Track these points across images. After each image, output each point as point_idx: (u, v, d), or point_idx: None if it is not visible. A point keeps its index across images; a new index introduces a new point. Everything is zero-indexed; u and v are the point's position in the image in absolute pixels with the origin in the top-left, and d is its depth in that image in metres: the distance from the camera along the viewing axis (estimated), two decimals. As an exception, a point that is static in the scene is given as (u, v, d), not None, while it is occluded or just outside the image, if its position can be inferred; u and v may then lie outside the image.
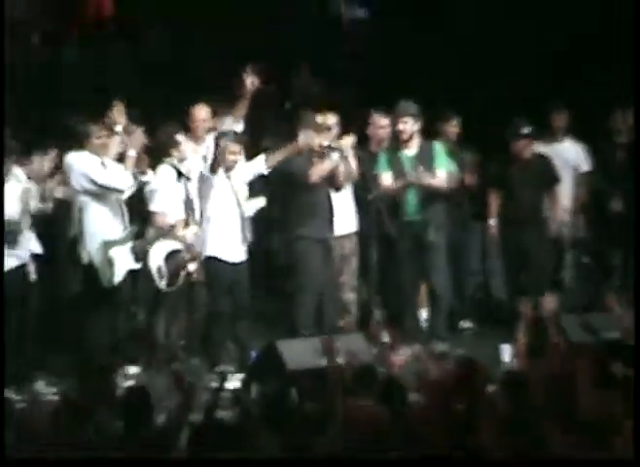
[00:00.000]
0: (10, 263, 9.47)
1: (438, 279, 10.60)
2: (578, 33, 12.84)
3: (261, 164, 10.05)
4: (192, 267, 9.87)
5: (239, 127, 10.51)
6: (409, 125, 10.45)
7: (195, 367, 9.76)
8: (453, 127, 10.90)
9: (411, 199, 10.48)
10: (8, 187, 9.42)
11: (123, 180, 9.64)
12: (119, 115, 10.12)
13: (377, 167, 10.54)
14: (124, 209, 9.79)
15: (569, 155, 10.88)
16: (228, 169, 9.98)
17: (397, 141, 10.58)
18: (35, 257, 9.67)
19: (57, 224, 9.97)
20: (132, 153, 9.73)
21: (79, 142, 9.77)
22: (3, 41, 11.62)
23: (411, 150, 10.51)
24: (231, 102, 10.66)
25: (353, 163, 10.31)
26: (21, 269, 9.57)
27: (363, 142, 10.75)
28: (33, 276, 9.68)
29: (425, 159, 10.52)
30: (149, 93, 11.60)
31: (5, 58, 11.68)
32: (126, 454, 6.58)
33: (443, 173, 10.49)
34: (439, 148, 10.60)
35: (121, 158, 9.84)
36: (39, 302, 9.77)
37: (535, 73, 12.29)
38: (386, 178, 10.47)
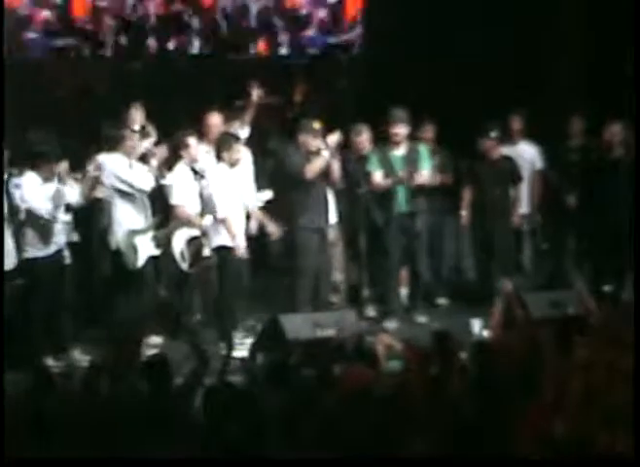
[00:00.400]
0: (48, 250, 9.44)
1: (420, 263, 10.58)
2: (538, 46, 12.74)
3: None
4: (207, 251, 9.79)
5: (245, 133, 10.51)
6: (403, 130, 10.40)
7: (209, 337, 9.68)
8: (428, 132, 10.81)
9: (400, 194, 10.43)
10: (46, 186, 9.39)
11: (146, 181, 9.64)
12: (137, 115, 10.22)
13: (369, 165, 10.45)
14: (147, 203, 9.76)
15: (526, 155, 10.82)
16: (232, 165, 9.93)
17: (387, 142, 10.51)
18: (71, 244, 9.67)
19: (91, 216, 9.93)
20: (148, 146, 9.88)
21: (110, 145, 9.74)
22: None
23: (400, 151, 10.45)
24: (240, 111, 10.65)
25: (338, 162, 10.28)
26: (58, 254, 9.53)
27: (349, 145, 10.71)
28: (68, 260, 9.65)
29: (412, 159, 10.47)
30: (170, 103, 11.54)
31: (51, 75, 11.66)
32: (149, 413, 6.59)
33: (427, 172, 10.43)
34: (423, 150, 10.53)
35: (143, 157, 9.86)
36: (75, 282, 9.77)
37: (498, 82, 12.16)
38: (377, 175, 10.38)
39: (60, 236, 9.54)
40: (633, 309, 8.97)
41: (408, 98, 11.27)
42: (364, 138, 10.57)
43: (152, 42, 12.65)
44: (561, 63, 12.65)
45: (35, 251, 9.48)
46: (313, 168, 10.09)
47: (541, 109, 11.66)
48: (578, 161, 10.87)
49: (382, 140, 10.61)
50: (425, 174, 10.43)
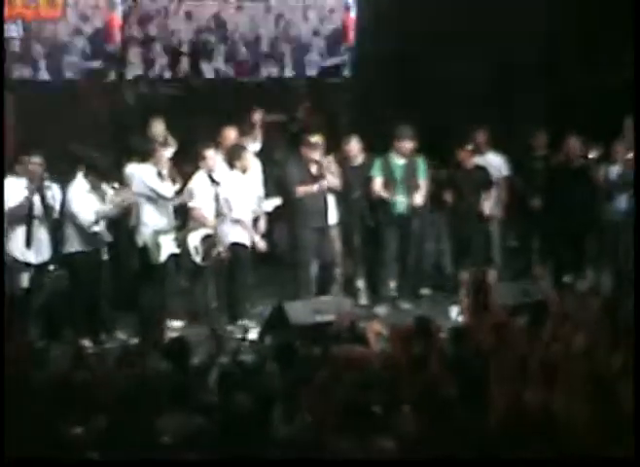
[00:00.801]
0: (87, 247, 9.41)
1: (409, 259, 10.57)
2: (510, 71, 12.68)
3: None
4: (220, 247, 9.76)
5: (257, 146, 10.52)
6: (408, 144, 10.35)
7: (224, 322, 9.69)
8: (409, 144, 10.67)
9: (400, 198, 10.38)
10: (91, 194, 9.37)
11: (168, 190, 9.63)
12: (160, 129, 10.20)
13: (373, 171, 10.41)
14: (170, 206, 9.74)
15: (494, 163, 10.76)
16: (243, 171, 9.93)
17: (391, 152, 10.46)
18: (107, 243, 9.64)
19: (121, 218, 9.86)
20: (168, 154, 9.84)
21: (139, 157, 9.76)
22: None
23: (401, 161, 10.40)
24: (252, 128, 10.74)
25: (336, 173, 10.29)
26: (96, 251, 9.50)
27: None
28: (105, 257, 9.64)
29: (411, 169, 10.42)
30: (191, 119, 11.51)
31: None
32: (170, 388, 6.55)
33: (423, 181, 10.42)
34: (420, 162, 10.47)
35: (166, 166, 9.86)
36: (110, 275, 9.75)
37: (472, 101, 12.10)
38: (377, 182, 10.33)
39: (98, 236, 9.50)
40: (593, 298, 9.13)
41: (394, 114, 11.27)
42: (353, 146, 10.46)
43: (182, 66, 12.66)
44: (529, 85, 12.58)
45: (76, 247, 9.42)
46: (304, 190, 10.10)
47: (510, 125, 11.68)
48: (541, 170, 10.84)
49: (382, 151, 10.57)
50: (422, 184, 10.41)
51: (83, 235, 9.40)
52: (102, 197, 9.41)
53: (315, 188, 10.20)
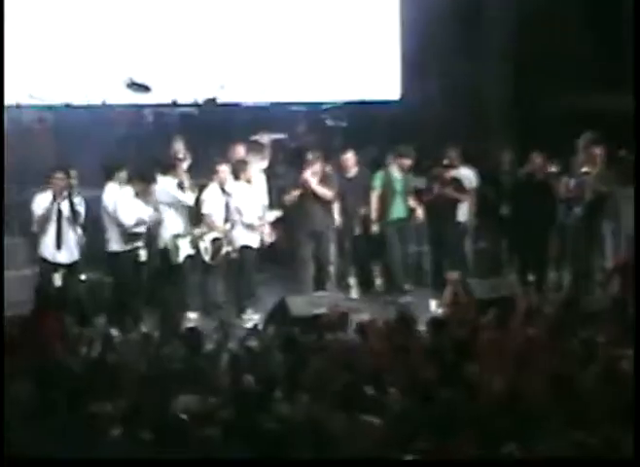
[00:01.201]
0: (126, 247, 9.42)
1: (395, 258, 10.54)
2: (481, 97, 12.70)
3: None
4: (229, 248, 9.75)
5: (265, 164, 10.50)
6: (408, 162, 10.33)
7: (233, 314, 9.68)
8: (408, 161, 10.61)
9: (398, 205, 10.38)
10: (136, 201, 9.39)
11: (189, 198, 9.64)
12: (180, 146, 10.12)
13: (375, 181, 10.39)
14: (186, 213, 9.75)
15: (467, 176, 10.68)
16: (248, 182, 9.91)
17: (391, 167, 10.45)
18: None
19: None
20: (184, 167, 9.78)
21: (163, 170, 9.75)
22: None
23: (399, 175, 10.37)
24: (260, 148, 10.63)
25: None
26: (133, 251, 9.50)
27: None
28: (143, 257, 9.61)
29: (406, 181, 10.41)
30: (207, 139, 11.47)
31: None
32: (186, 370, 6.60)
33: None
34: (412, 177, 10.51)
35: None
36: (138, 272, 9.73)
37: (449, 123, 12.02)
38: (375, 193, 10.31)
39: (136, 238, 9.51)
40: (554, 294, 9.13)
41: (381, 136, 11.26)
42: (348, 158, 10.42)
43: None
44: (498, 109, 12.58)
45: (117, 247, 9.43)
46: (302, 197, 10.09)
47: (480, 143, 11.60)
48: (509, 182, 10.81)
49: (380, 165, 10.59)
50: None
51: (123, 236, 9.41)
52: (144, 203, 9.42)
53: (313, 196, 10.13)
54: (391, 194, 10.42)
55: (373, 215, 10.41)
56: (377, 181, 10.42)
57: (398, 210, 10.44)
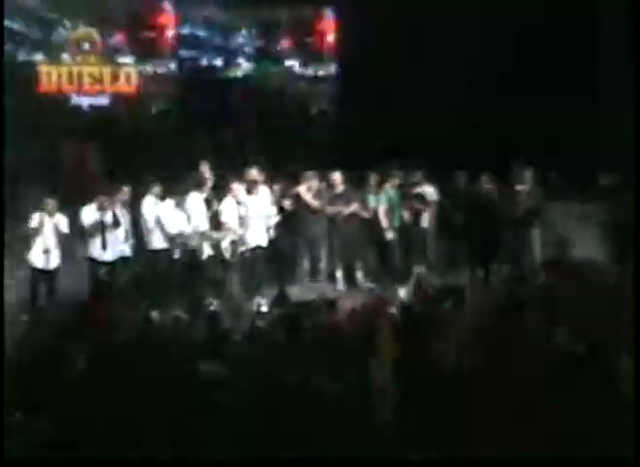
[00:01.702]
0: (165, 245, 9.48)
1: (374, 257, 10.50)
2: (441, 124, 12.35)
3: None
4: (242, 248, 9.78)
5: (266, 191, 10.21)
6: (397, 181, 10.33)
7: (245, 299, 9.57)
8: (397, 181, 10.54)
9: (397, 215, 10.37)
10: (177, 210, 9.42)
11: (211, 210, 9.67)
12: (205, 168, 10.14)
13: (380, 201, 10.26)
14: (210, 221, 9.76)
15: (429, 192, 10.61)
16: (256, 196, 9.90)
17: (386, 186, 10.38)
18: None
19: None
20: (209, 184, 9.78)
21: (193, 187, 9.75)
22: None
23: (393, 192, 10.38)
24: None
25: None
26: (169, 249, 9.56)
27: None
28: (177, 255, 9.62)
29: (398, 199, 10.40)
30: (225, 161, 11.51)
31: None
32: (208, 345, 6.55)
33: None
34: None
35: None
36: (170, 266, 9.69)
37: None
38: (382, 208, 10.25)
39: (171, 240, 9.54)
40: (499, 286, 8.98)
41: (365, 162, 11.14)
42: (336, 178, 10.30)
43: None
44: (455, 138, 12.30)
45: (159, 245, 9.50)
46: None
47: (442, 167, 11.31)
48: (462, 197, 10.69)
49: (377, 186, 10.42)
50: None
51: (165, 238, 9.48)
52: (184, 214, 9.43)
53: (307, 206, 10.14)
54: (392, 209, 10.33)
55: (385, 224, 10.26)
56: (383, 201, 10.28)
57: (397, 219, 10.37)
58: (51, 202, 9.09)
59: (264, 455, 4.73)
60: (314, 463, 4.69)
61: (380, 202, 10.31)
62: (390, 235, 10.26)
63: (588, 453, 4.54)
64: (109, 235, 9.25)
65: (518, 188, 10.34)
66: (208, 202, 9.67)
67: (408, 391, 5.36)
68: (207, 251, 9.62)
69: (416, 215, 10.45)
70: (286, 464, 4.67)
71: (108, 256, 9.34)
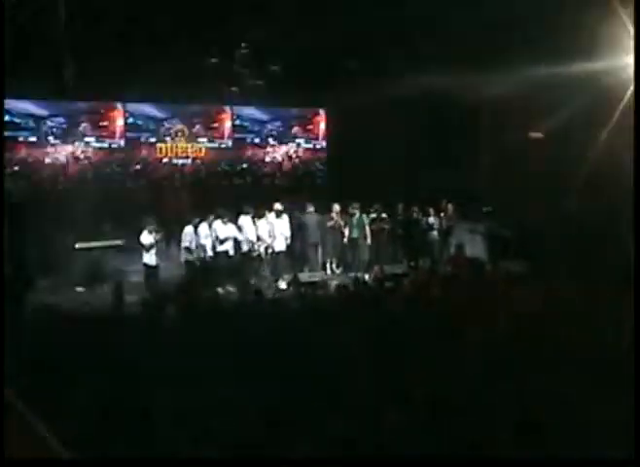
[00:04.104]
0: (220, 249, 8.80)
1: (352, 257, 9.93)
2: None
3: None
4: (270, 250, 9.45)
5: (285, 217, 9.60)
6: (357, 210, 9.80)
7: (272, 280, 9.23)
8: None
9: (355, 230, 9.88)
10: (225, 227, 8.78)
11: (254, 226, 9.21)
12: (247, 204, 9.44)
13: (350, 222, 9.73)
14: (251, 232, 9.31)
15: (384, 217, 10.06)
16: (280, 218, 9.60)
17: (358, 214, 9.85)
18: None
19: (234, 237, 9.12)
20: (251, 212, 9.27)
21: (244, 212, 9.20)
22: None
23: (359, 216, 9.92)
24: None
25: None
26: (225, 251, 8.94)
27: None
28: (231, 253, 8.97)
29: (365, 222, 9.99)
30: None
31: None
32: (248, 310, 6.21)
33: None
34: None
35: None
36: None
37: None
38: (347, 230, 9.74)
39: (227, 244, 8.99)
40: (425, 272, 8.50)
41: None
42: (334, 211, 9.90)
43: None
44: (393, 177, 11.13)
45: (219, 248, 8.95)
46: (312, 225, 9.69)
47: (392, 202, 10.62)
48: (400, 219, 10.42)
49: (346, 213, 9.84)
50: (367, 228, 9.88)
51: (220, 244, 8.93)
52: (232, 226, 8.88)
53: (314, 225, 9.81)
54: (358, 225, 9.89)
55: (347, 234, 9.86)
56: (354, 220, 9.90)
57: (355, 233, 9.99)
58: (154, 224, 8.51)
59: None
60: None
61: (351, 222, 9.91)
62: (353, 243, 9.82)
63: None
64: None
65: (441, 214, 10.18)
66: (253, 221, 9.31)
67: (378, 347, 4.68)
68: (249, 252, 9.31)
69: (381, 230, 10.16)
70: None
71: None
